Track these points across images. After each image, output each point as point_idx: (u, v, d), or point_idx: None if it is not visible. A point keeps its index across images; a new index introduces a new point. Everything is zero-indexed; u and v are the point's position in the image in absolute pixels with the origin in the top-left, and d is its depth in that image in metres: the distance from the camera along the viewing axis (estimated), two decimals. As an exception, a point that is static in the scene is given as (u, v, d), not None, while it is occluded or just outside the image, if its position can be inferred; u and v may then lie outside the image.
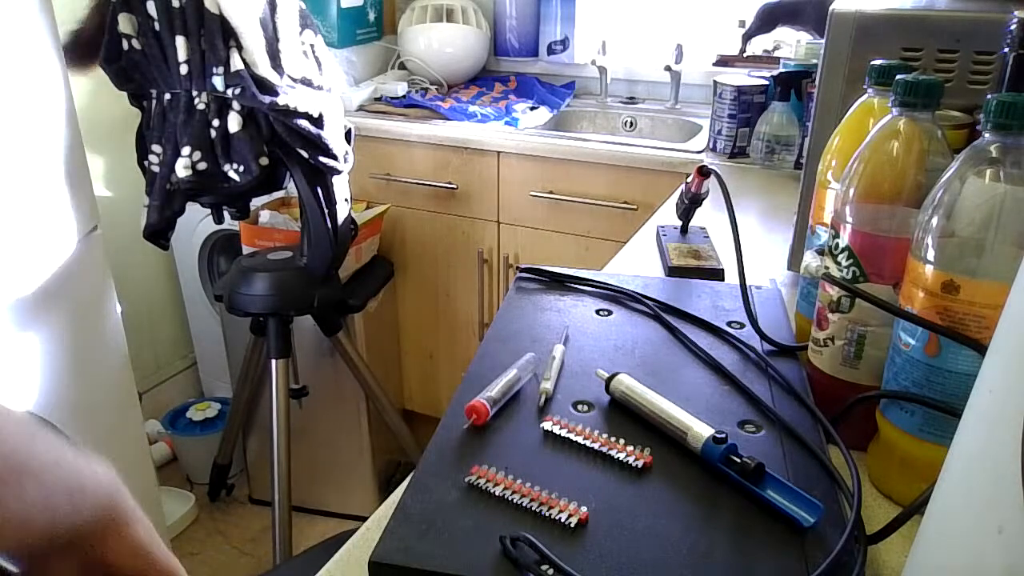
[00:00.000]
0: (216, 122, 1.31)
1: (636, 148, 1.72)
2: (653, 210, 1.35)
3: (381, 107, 1.99)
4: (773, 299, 0.80)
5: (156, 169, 1.37)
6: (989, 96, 0.49)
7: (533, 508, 0.50)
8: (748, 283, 0.77)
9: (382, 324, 2.06)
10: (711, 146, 1.70)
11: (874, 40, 0.82)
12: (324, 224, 1.50)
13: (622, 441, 0.57)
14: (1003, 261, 0.48)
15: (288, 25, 1.33)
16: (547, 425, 0.59)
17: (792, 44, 1.82)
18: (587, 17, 2.18)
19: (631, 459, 0.55)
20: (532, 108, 2.01)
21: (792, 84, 1.50)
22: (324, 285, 1.59)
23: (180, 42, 1.27)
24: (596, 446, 0.57)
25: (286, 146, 1.37)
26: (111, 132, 1.86)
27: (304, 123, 1.34)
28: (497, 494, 0.52)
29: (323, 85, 1.40)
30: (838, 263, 0.62)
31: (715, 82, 1.66)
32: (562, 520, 0.49)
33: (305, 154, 1.38)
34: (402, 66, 2.21)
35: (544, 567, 0.45)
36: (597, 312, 0.78)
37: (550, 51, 2.23)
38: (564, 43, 2.21)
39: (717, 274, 0.94)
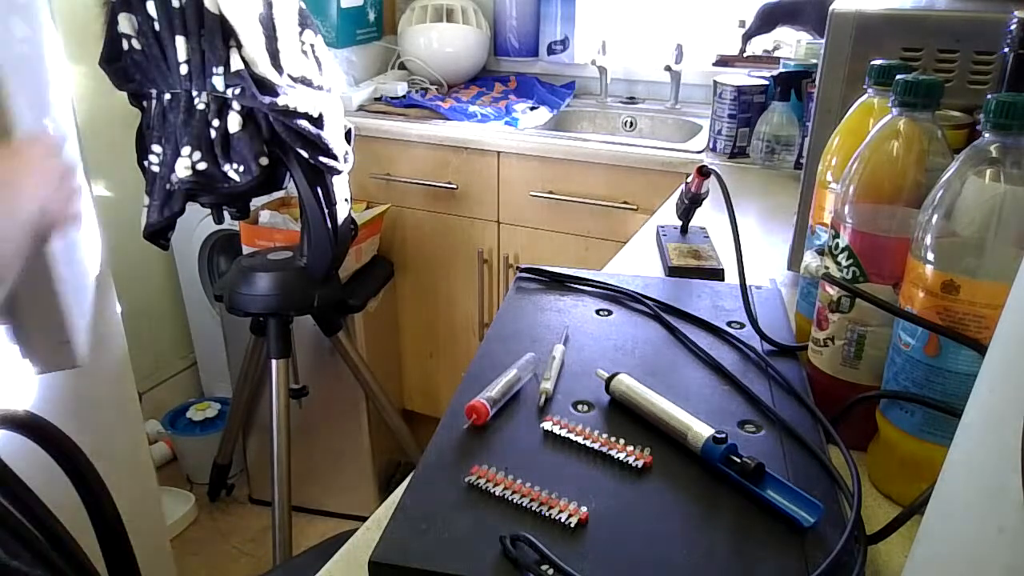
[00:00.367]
0: (216, 122, 1.31)
1: (636, 148, 1.72)
2: (653, 210, 1.35)
3: (381, 107, 1.99)
4: (773, 299, 0.80)
5: (156, 169, 1.37)
6: (989, 96, 0.49)
7: (533, 508, 0.50)
8: (748, 283, 0.77)
9: (382, 324, 2.06)
10: (711, 146, 1.70)
11: (874, 40, 0.82)
12: (324, 224, 1.50)
13: (622, 441, 0.57)
14: (1003, 261, 0.48)
15: (287, 23, 1.33)
16: (547, 425, 0.59)
17: (792, 44, 1.82)
18: (587, 17, 2.19)
19: (631, 459, 0.55)
20: (532, 108, 2.01)
21: (792, 84, 1.50)
22: (324, 285, 1.59)
23: (180, 42, 1.27)
24: (596, 446, 0.57)
25: (286, 146, 1.37)
26: (111, 132, 1.86)
27: (304, 123, 1.34)
28: (497, 494, 0.52)
29: (323, 85, 1.40)
30: (838, 263, 0.62)
31: (715, 82, 1.66)
32: (562, 520, 0.49)
33: (305, 154, 1.38)
34: (402, 66, 2.21)
35: (544, 567, 0.45)
36: (597, 312, 0.78)
37: (550, 51, 2.23)
38: (564, 43, 2.21)
39: (717, 274, 0.94)
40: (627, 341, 0.72)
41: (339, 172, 1.46)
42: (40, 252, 0.87)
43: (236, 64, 1.27)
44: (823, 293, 0.64)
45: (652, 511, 0.51)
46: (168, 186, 1.35)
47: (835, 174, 0.70)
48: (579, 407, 0.62)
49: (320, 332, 1.71)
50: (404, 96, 2.04)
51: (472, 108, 1.95)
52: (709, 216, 1.13)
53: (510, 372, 0.63)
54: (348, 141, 1.47)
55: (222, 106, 1.31)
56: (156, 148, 1.35)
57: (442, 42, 2.14)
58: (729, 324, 0.75)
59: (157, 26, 1.27)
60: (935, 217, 0.51)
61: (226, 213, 1.48)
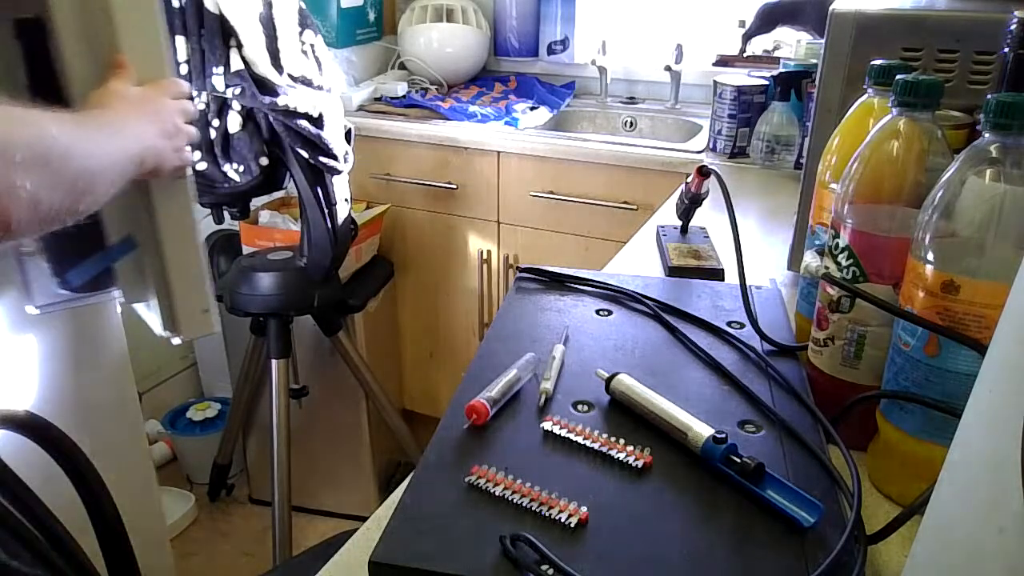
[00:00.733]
0: (216, 122, 1.31)
1: (636, 148, 1.72)
2: (653, 210, 1.35)
3: (381, 107, 1.99)
4: (773, 299, 0.80)
5: (156, 169, 1.36)
6: (989, 96, 0.49)
7: (533, 508, 0.50)
8: (748, 283, 0.77)
9: (382, 324, 2.06)
10: (711, 146, 1.69)
11: (874, 40, 0.82)
12: (324, 224, 1.50)
13: (622, 441, 0.57)
14: (1003, 261, 0.48)
15: (287, 23, 1.33)
16: (547, 425, 0.59)
17: (792, 44, 1.82)
18: (587, 17, 2.19)
19: (631, 459, 0.55)
20: (532, 108, 2.01)
21: (792, 84, 1.50)
22: (324, 285, 1.59)
23: (180, 42, 1.26)
24: (596, 446, 0.57)
25: (286, 146, 1.37)
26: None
27: (304, 123, 1.34)
28: (497, 494, 0.52)
29: (323, 85, 1.40)
30: (838, 263, 0.62)
31: (715, 82, 1.66)
32: (562, 520, 0.49)
33: (305, 154, 1.38)
34: (402, 66, 2.21)
35: (544, 567, 0.45)
36: (597, 312, 0.78)
37: (550, 51, 2.23)
38: (564, 43, 2.21)
39: (717, 274, 0.94)
40: (627, 341, 0.72)
41: (339, 172, 1.46)
42: (189, 220, 0.92)
43: (236, 64, 1.27)
44: (823, 293, 0.64)
45: (652, 511, 0.51)
46: (168, 186, 1.35)
47: (835, 174, 0.70)
48: (579, 407, 0.62)
49: (320, 332, 1.71)
50: (404, 96, 2.04)
51: (472, 108, 1.95)
52: (709, 216, 1.13)
53: (510, 372, 0.63)
54: (348, 141, 1.47)
55: (222, 106, 1.30)
56: (156, 148, 1.35)
57: (442, 42, 2.14)
58: (729, 324, 0.75)
59: (157, 26, 1.27)
60: (935, 217, 0.51)
61: (226, 213, 1.48)
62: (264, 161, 1.35)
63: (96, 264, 0.93)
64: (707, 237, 1.05)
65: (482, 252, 1.94)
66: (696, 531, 0.49)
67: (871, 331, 0.61)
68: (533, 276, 0.85)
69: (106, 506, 0.73)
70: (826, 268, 0.63)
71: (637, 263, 1.04)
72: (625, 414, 0.61)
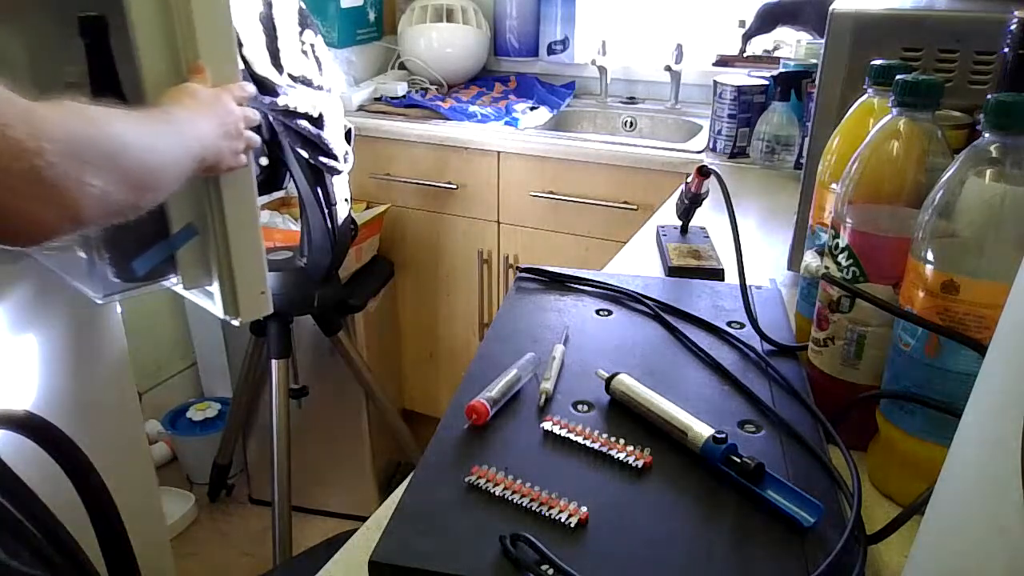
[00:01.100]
0: (216, 122, 1.31)
1: (636, 148, 1.72)
2: (653, 210, 1.35)
3: (381, 107, 1.99)
4: (773, 299, 0.80)
5: (156, 169, 1.36)
6: (989, 96, 0.49)
7: (533, 508, 0.50)
8: (748, 283, 0.77)
9: (382, 324, 2.06)
10: (711, 146, 1.70)
11: (874, 40, 0.82)
12: (324, 224, 1.50)
13: (622, 441, 0.57)
14: (1003, 261, 0.48)
15: (287, 23, 1.33)
16: (547, 425, 0.59)
17: (792, 44, 1.82)
18: (587, 17, 2.19)
19: (631, 459, 0.55)
20: (532, 108, 2.01)
21: (792, 84, 1.50)
22: (324, 285, 1.59)
23: (180, 42, 1.26)
24: (596, 446, 0.57)
25: (286, 146, 1.37)
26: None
27: (304, 123, 1.34)
28: (497, 494, 0.52)
29: (323, 85, 1.40)
30: (838, 263, 0.62)
31: (715, 82, 1.66)
32: (562, 520, 0.49)
33: (305, 154, 1.38)
34: (402, 66, 2.21)
35: (544, 567, 0.45)
36: (597, 312, 0.78)
37: (550, 51, 2.23)
38: (564, 43, 2.21)
39: (717, 274, 0.94)
40: (627, 341, 0.72)
41: (339, 172, 1.46)
42: (253, 206, 0.96)
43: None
44: (823, 293, 0.64)
45: (652, 511, 0.51)
46: (168, 186, 1.35)
47: (835, 174, 0.70)
48: (579, 407, 0.62)
49: (320, 332, 1.71)
50: (404, 96, 2.04)
51: (472, 108, 1.95)
52: (709, 216, 1.13)
53: (510, 372, 0.63)
54: (348, 141, 1.47)
55: (222, 106, 1.30)
56: (156, 148, 1.35)
57: (442, 42, 2.14)
58: (729, 324, 0.75)
59: (157, 26, 1.27)
60: (935, 217, 0.51)
61: (226, 213, 1.48)
62: (264, 161, 1.35)
63: (160, 252, 0.95)
64: (707, 237, 1.05)
65: (482, 252, 1.94)
66: (696, 531, 0.49)
67: (871, 331, 0.61)
68: (533, 276, 0.85)
69: (106, 506, 0.73)
70: (826, 268, 0.63)
71: (637, 263, 1.04)
72: (625, 414, 0.61)
